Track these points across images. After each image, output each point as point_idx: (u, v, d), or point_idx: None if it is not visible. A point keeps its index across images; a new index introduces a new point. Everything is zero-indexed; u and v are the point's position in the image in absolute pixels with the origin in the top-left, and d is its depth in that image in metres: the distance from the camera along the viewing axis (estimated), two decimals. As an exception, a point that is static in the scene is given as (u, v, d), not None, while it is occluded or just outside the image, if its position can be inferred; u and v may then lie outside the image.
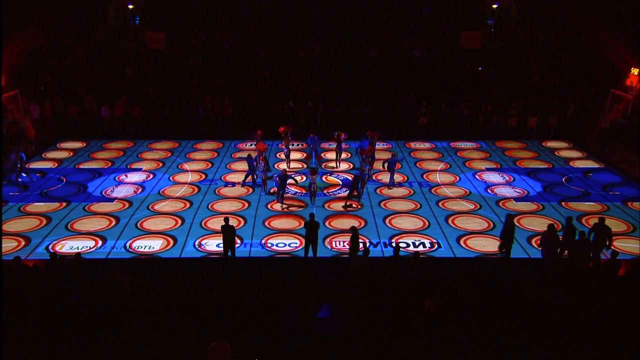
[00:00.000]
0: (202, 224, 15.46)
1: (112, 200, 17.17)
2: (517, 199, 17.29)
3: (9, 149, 19.52)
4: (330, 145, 21.17)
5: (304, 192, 17.73)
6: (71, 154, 21.79)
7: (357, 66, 27.49)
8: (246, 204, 16.82)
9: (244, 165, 19.27)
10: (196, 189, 18.11)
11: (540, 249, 13.05)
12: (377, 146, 20.20)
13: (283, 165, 20.34)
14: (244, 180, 18.20)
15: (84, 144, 23.02)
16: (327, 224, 15.44)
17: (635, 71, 23.34)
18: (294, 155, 21.08)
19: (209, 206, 16.68)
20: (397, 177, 18.86)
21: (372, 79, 26.98)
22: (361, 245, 14.00)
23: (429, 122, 24.72)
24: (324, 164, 20.02)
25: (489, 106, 25.20)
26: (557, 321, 8.62)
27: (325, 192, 17.80)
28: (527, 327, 8.46)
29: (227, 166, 20.43)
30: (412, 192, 17.90)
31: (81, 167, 20.35)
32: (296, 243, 14.27)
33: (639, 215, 15.92)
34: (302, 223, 14.86)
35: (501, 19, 30.73)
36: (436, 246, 14.23)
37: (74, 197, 17.40)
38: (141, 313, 8.94)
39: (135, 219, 15.80)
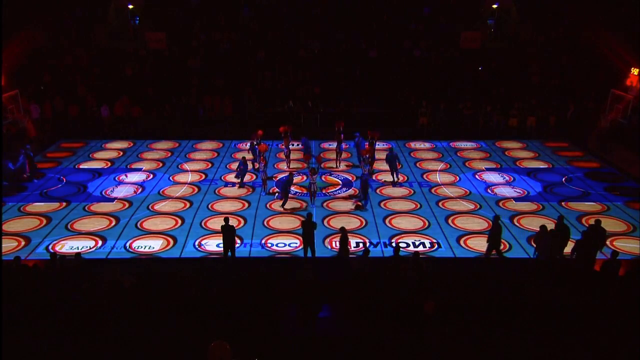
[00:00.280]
0: (202, 224, 15.46)
1: (112, 200, 17.17)
2: (517, 199, 17.29)
3: (17, 148, 19.59)
4: (330, 145, 21.16)
5: (304, 192, 17.73)
6: (71, 153, 21.79)
7: (357, 66, 27.49)
8: (246, 204, 16.82)
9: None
10: (196, 189, 18.11)
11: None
12: (377, 146, 20.19)
13: (283, 165, 20.37)
14: (241, 181, 18.14)
15: (84, 144, 23.02)
16: (326, 223, 15.44)
17: (635, 71, 23.35)
18: (294, 155, 21.07)
19: (209, 206, 16.68)
20: (400, 180, 18.88)
21: (372, 79, 26.98)
22: (361, 245, 14.06)
23: (429, 122, 24.72)
24: (324, 164, 20.01)
25: (488, 106, 25.22)
26: (557, 321, 8.62)
27: (325, 192, 17.80)
28: (527, 328, 8.45)
29: (227, 166, 20.43)
30: (412, 192, 17.91)
31: (81, 167, 20.35)
32: (296, 243, 14.27)
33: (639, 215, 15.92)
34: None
35: (501, 19, 30.73)
36: (436, 246, 14.23)
37: (74, 197, 17.40)
38: (141, 313, 8.94)
39: (135, 219, 15.80)
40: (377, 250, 13.97)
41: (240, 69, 27.36)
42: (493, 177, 19.28)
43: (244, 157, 18.28)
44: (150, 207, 16.66)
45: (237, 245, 13.47)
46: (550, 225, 12.80)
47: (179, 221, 15.63)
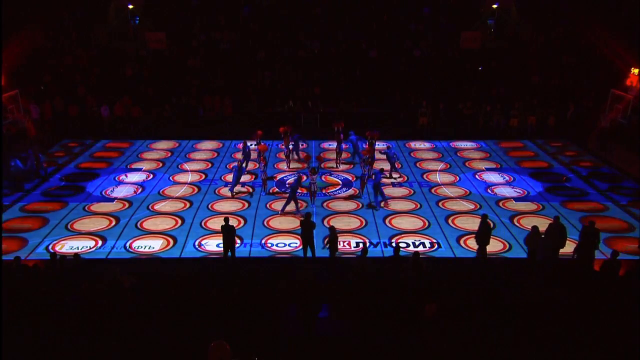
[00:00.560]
0: (202, 224, 15.46)
1: (112, 200, 17.17)
2: (517, 199, 17.29)
3: (19, 148, 19.73)
4: (330, 145, 21.16)
5: (304, 192, 17.73)
6: (72, 153, 21.79)
7: (357, 66, 27.49)
8: (246, 204, 16.82)
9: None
10: (196, 189, 18.11)
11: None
12: (377, 146, 20.19)
13: (283, 165, 20.37)
14: (232, 187, 17.98)
15: (85, 144, 23.04)
16: (326, 223, 15.44)
17: (635, 71, 23.35)
18: (294, 155, 21.05)
19: (209, 206, 16.68)
20: (397, 177, 18.87)
21: (372, 79, 26.99)
22: (361, 245, 14.05)
23: (429, 122, 24.73)
24: (324, 164, 20.01)
25: (488, 106, 25.22)
26: (557, 321, 8.62)
27: (324, 191, 17.80)
28: (526, 328, 8.45)
29: (227, 166, 20.42)
30: (412, 192, 17.91)
31: (82, 166, 20.36)
32: (296, 243, 14.26)
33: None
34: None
35: (501, 19, 30.74)
36: (436, 246, 14.23)
37: (74, 197, 17.40)
38: (141, 313, 8.94)
39: (135, 219, 15.80)
40: (377, 250, 13.98)
41: (240, 69, 27.36)
42: (493, 177, 19.28)
43: (239, 162, 18.04)
44: (150, 207, 16.66)
45: (237, 245, 13.48)
46: (543, 226, 12.81)
47: (179, 221, 15.63)
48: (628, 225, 15.42)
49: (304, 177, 16.72)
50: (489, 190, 18.01)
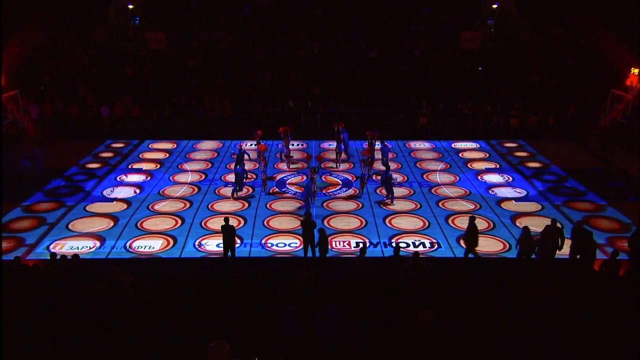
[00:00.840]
0: (202, 224, 15.46)
1: (111, 200, 17.17)
2: (517, 199, 17.29)
3: (32, 147, 20.05)
4: (330, 145, 21.17)
5: (304, 191, 17.72)
6: (74, 154, 21.78)
7: (357, 66, 27.49)
8: (246, 204, 16.81)
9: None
10: (196, 189, 18.11)
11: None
12: (376, 146, 20.19)
13: (283, 165, 20.36)
14: (237, 192, 17.92)
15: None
16: (326, 223, 15.44)
17: (635, 71, 23.34)
18: (294, 155, 21.06)
19: (209, 206, 16.68)
20: (397, 177, 18.87)
21: (372, 79, 26.98)
22: (361, 245, 14.04)
23: (429, 122, 24.72)
24: (324, 164, 20.01)
25: (488, 106, 25.23)
26: (557, 321, 8.62)
27: (324, 191, 17.79)
28: (525, 328, 8.45)
29: (227, 166, 20.42)
30: (412, 192, 17.91)
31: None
32: (296, 243, 14.26)
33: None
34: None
35: (501, 19, 30.74)
36: (436, 246, 14.23)
37: (73, 197, 17.41)
38: (141, 313, 8.93)
39: (135, 219, 15.80)
40: (377, 250, 13.98)
41: (240, 69, 27.36)
42: (493, 178, 19.28)
43: (238, 166, 17.61)
44: (150, 207, 16.66)
45: (237, 245, 13.48)
46: (533, 227, 12.84)
47: (179, 221, 15.63)
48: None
49: (315, 177, 16.60)
50: (490, 191, 17.99)
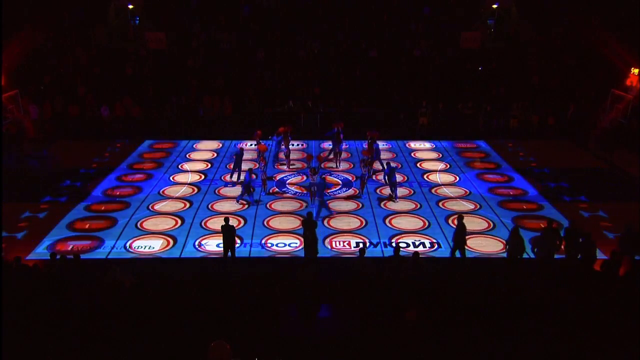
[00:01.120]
0: (202, 224, 15.46)
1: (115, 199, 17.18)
2: (514, 198, 17.28)
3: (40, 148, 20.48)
4: (330, 145, 21.17)
5: (304, 192, 17.73)
6: (75, 154, 21.76)
7: (357, 66, 27.49)
8: (246, 204, 16.81)
9: (244, 165, 19.17)
10: (196, 189, 18.10)
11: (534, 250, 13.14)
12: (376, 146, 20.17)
13: (282, 165, 20.35)
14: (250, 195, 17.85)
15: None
16: (326, 223, 15.45)
17: (635, 71, 23.33)
18: (294, 155, 21.07)
19: (209, 206, 16.68)
20: (397, 177, 18.86)
21: (372, 79, 26.97)
22: (361, 245, 14.05)
23: (429, 122, 24.71)
24: (324, 164, 20.00)
25: (488, 106, 25.22)
26: (556, 321, 8.62)
27: (324, 191, 17.76)
28: (524, 328, 8.46)
29: (227, 166, 20.42)
30: (412, 192, 17.90)
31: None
32: (296, 243, 14.26)
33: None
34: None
35: (501, 19, 30.73)
36: (436, 246, 14.22)
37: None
38: (141, 313, 8.94)
39: (135, 219, 15.80)
40: (377, 250, 13.98)
41: (240, 69, 27.36)
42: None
43: (250, 169, 17.01)
44: (150, 207, 16.66)
45: (237, 245, 13.48)
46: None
47: (179, 221, 15.63)
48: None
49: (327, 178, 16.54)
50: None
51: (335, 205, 16.77)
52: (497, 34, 30.66)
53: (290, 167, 20.20)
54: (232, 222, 13.84)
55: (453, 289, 9.94)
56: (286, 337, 8.37)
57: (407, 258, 11.81)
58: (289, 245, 14.27)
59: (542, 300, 9.28)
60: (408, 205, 16.83)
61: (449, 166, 20.57)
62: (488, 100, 25.60)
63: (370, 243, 14.31)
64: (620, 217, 15.92)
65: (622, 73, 24.03)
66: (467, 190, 17.97)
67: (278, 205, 16.72)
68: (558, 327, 8.43)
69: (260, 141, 19.11)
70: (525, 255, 12.68)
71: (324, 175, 15.91)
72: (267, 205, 16.72)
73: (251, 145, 21.85)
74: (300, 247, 13.76)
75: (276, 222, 15.60)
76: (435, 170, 20.06)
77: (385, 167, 17.55)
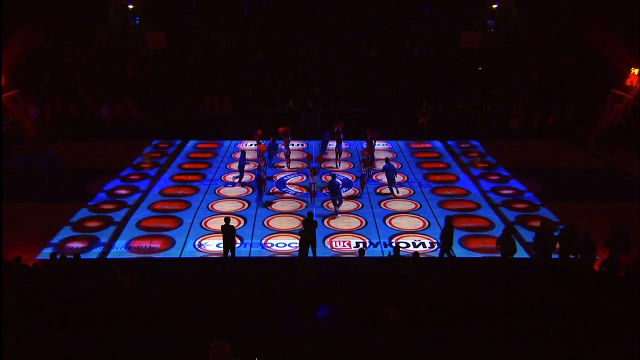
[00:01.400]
0: (202, 224, 15.46)
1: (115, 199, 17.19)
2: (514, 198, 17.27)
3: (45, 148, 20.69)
4: (330, 145, 21.17)
5: (304, 192, 17.73)
6: (75, 154, 21.75)
7: (357, 66, 27.49)
8: (246, 204, 16.81)
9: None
10: (196, 189, 18.10)
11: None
12: (376, 146, 20.19)
13: (282, 165, 20.33)
14: (261, 196, 17.82)
15: (87, 144, 22.96)
16: (326, 223, 15.45)
17: (635, 71, 23.33)
18: (294, 155, 21.07)
19: (209, 206, 16.68)
20: (397, 177, 18.88)
21: (372, 79, 26.98)
22: (361, 245, 14.06)
23: (429, 122, 24.71)
24: (324, 164, 20.00)
25: (489, 106, 25.22)
26: (555, 321, 8.62)
27: (325, 192, 17.78)
28: (526, 328, 8.46)
29: (227, 166, 20.42)
30: (413, 192, 17.90)
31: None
32: (296, 243, 14.24)
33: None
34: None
35: (501, 19, 30.74)
36: (436, 246, 14.22)
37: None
38: (141, 313, 8.94)
39: (135, 219, 15.79)
40: (377, 250, 13.98)
41: (240, 69, 27.36)
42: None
43: (259, 167, 17.04)
44: (150, 207, 16.65)
45: (237, 245, 13.48)
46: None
47: (179, 221, 15.63)
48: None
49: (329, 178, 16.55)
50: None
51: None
52: (497, 34, 30.67)
53: (290, 167, 20.20)
54: (232, 222, 13.83)
55: (439, 289, 9.95)
56: (286, 337, 8.36)
57: (407, 258, 11.82)
58: (289, 245, 14.27)
59: (542, 300, 9.28)
60: (408, 205, 16.83)
61: (448, 166, 20.50)
62: (488, 100, 25.59)
63: (370, 243, 14.31)
64: (621, 217, 15.96)
65: (622, 73, 24.03)
66: (467, 190, 17.95)
67: (278, 205, 16.72)
68: (558, 327, 8.43)
69: (261, 141, 19.10)
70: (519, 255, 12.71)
71: (333, 174, 16.09)
72: (267, 205, 16.71)
73: (251, 145, 21.85)
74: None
75: (276, 222, 15.60)
76: (435, 171, 20.00)
77: (385, 163, 17.58)
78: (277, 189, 18.06)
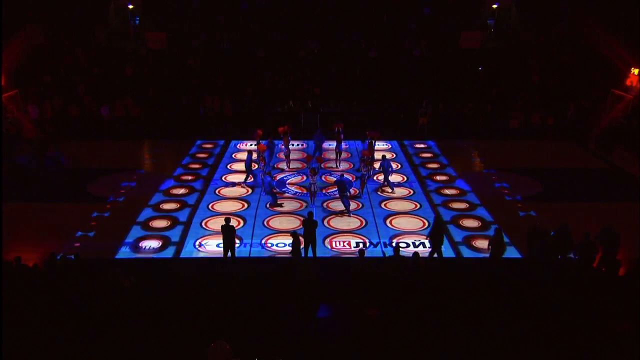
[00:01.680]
0: (202, 224, 15.46)
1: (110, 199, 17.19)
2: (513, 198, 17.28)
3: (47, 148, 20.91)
4: (330, 145, 21.18)
5: (304, 192, 17.73)
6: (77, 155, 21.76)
7: (357, 66, 27.49)
8: (246, 204, 16.82)
9: (243, 166, 19.17)
10: (196, 189, 18.09)
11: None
12: (376, 146, 20.18)
13: (282, 165, 20.34)
14: (274, 199, 17.76)
15: (87, 144, 22.95)
16: (326, 223, 15.44)
17: (635, 71, 23.34)
18: (294, 155, 21.07)
19: (209, 206, 16.68)
20: (397, 177, 18.90)
21: (372, 79, 26.98)
22: (361, 245, 14.06)
23: (429, 122, 24.70)
24: (324, 164, 20.01)
25: (489, 106, 25.22)
26: (554, 321, 8.62)
27: (324, 192, 17.79)
28: (526, 328, 8.46)
29: (227, 166, 20.42)
30: (412, 192, 17.90)
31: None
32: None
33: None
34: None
35: (501, 19, 30.74)
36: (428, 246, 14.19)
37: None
38: (141, 313, 8.94)
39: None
40: (377, 250, 13.98)
41: (240, 69, 27.36)
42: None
43: (269, 175, 17.13)
44: (267, 206, 16.60)
45: (237, 245, 13.48)
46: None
47: (179, 221, 15.62)
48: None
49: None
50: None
51: (335, 205, 16.76)
52: (497, 34, 30.66)
53: (290, 166, 20.19)
54: (232, 222, 13.83)
55: (454, 289, 9.96)
56: (286, 337, 8.37)
57: (407, 258, 11.82)
58: (289, 245, 14.24)
59: (541, 300, 9.29)
60: (408, 205, 16.83)
61: (448, 166, 20.51)
62: (488, 100, 25.59)
63: (370, 243, 14.31)
64: (621, 217, 15.97)
65: (622, 73, 24.04)
66: (466, 190, 17.97)
67: (278, 205, 16.71)
68: (558, 327, 8.43)
69: (260, 141, 19.10)
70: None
71: (342, 173, 16.13)
72: (267, 206, 16.72)
73: (251, 145, 21.84)
74: (301, 247, 13.72)
75: (276, 222, 15.60)
76: (435, 170, 20.01)
77: (383, 161, 17.60)
78: (277, 189, 18.03)
